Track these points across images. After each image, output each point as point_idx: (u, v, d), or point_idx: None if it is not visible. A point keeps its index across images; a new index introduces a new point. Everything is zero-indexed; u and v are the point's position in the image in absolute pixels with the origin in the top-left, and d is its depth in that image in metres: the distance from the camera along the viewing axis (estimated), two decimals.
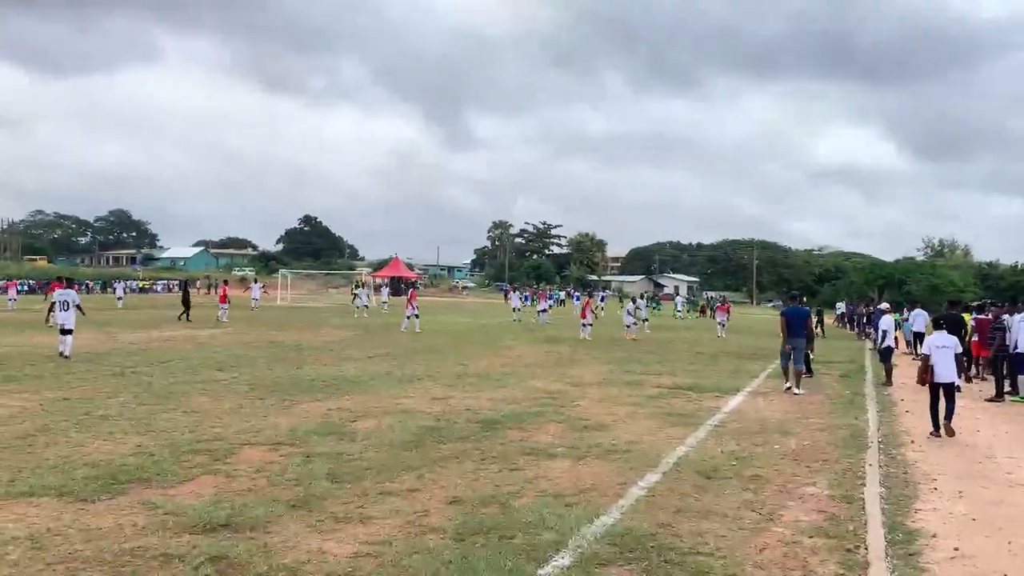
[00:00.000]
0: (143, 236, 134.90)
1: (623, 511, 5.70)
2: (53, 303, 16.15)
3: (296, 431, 8.29)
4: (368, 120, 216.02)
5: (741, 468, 7.20)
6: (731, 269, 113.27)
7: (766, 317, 49.61)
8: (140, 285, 73.70)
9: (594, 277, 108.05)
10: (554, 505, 5.77)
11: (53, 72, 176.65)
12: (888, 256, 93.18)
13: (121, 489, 5.92)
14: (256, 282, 42.81)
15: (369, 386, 12.04)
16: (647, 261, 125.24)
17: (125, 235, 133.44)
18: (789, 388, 12.48)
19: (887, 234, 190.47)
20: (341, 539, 4.95)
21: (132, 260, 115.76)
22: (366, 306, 37.88)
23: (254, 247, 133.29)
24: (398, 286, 79.01)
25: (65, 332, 15.21)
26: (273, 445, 7.63)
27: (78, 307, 16.06)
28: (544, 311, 34.19)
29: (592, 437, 8.41)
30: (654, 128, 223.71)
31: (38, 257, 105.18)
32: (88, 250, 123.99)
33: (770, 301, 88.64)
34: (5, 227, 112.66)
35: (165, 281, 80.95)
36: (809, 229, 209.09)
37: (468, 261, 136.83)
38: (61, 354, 14.88)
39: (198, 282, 79.48)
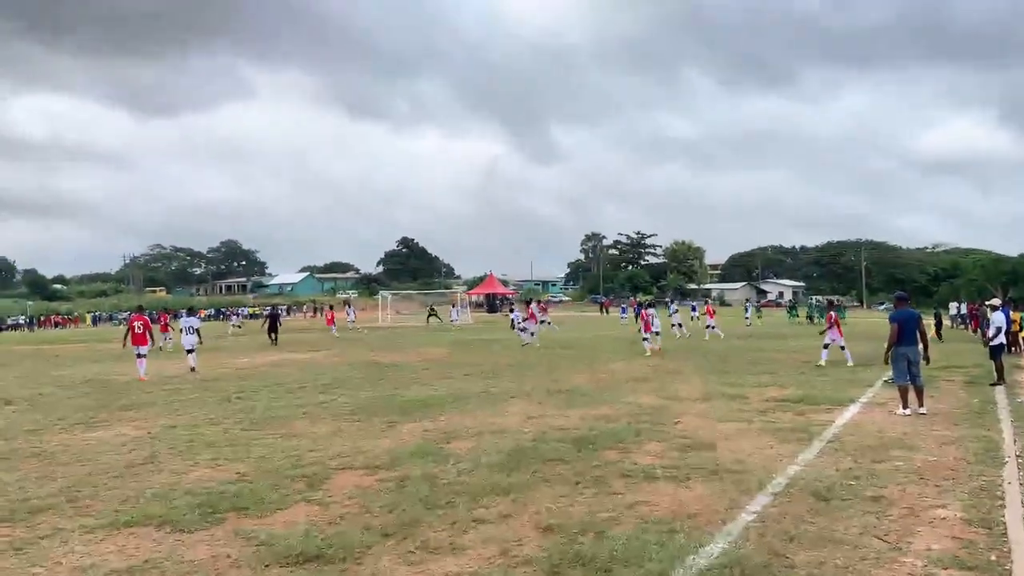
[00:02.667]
0: (253, 264, 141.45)
1: (731, 539, 5.29)
2: (127, 331, 18.07)
3: (392, 454, 8.24)
4: (454, 139, 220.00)
5: (861, 488, 6.62)
6: (838, 271, 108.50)
7: (879, 320, 47.03)
8: (251, 311, 77.19)
9: (693, 286, 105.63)
10: (655, 533, 5.42)
11: (160, 113, 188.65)
12: (1011, 251, 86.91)
13: (218, 519, 5.96)
14: (349, 305, 44.51)
15: (464, 405, 11.95)
16: (748, 267, 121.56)
17: (236, 264, 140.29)
18: (908, 413, 10.51)
19: (1008, 227, 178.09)
20: (431, 572, 4.77)
21: (243, 288, 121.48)
22: (452, 321, 38.53)
23: (356, 270, 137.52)
24: (494, 303, 79.64)
25: (189, 352, 18.66)
26: (369, 469, 7.58)
27: (197, 331, 19.36)
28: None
29: (695, 457, 7.97)
30: (746, 128, 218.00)
31: (158, 288, 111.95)
32: (203, 280, 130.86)
33: (881, 304, 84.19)
34: (127, 261, 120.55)
35: (271, 307, 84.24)
36: (920, 226, 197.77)
37: (562, 275, 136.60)
38: (192, 369, 18.06)
39: (304, 307, 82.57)
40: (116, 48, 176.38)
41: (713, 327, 30.20)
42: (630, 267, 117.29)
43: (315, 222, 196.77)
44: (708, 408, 11.40)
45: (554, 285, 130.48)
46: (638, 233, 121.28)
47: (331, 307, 34.49)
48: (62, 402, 13.43)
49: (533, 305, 29.93)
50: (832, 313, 18.97)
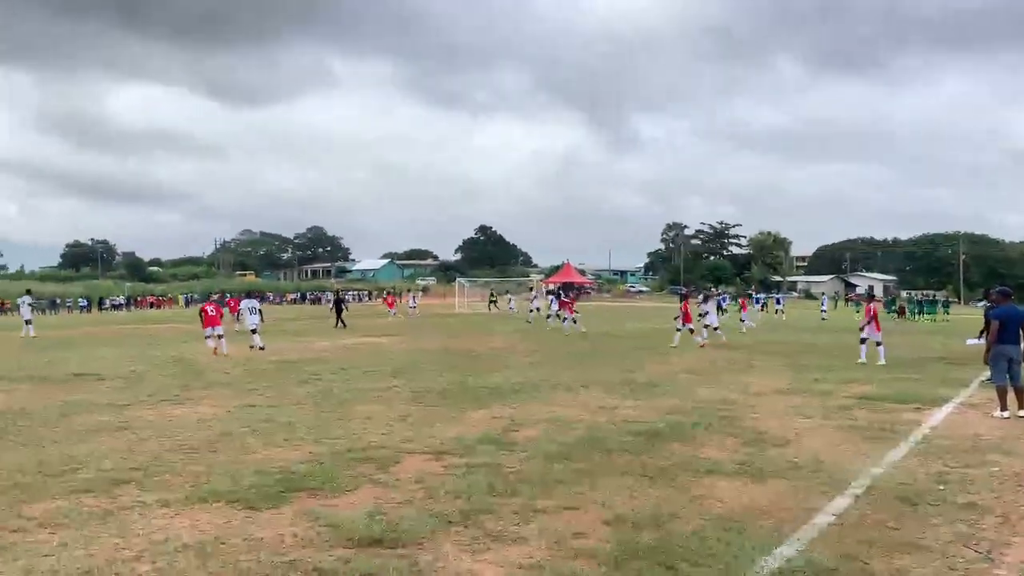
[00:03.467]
0: (337, 250, 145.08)
1: (805, 540, 5.04)
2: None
3: (460, 440, 8.24)
4: (533, 128, 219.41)
5: (951, 494, 6.23)
6: (933, 265, 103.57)
7: (977, 317, 44.61)
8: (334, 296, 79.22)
9: (778, 278, 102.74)
10: (723, 531, 5.22)
11: (250, 102, 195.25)
12: None
13: (287, 498, 6.06)
14: (410, 291, 45.14)
15: (533, 393, 11.89)
16: (836, 259, 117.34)
17: (321, 250, 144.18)
18: (1007, 416, 9.87)
19: None
20: (492, 561, 4.71)
21: (328, 273, 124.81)
22: (510, 309, 38.46)
23: (435, 257, 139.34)
24: (569, 292, 79.47)
25: (253, 332, 20.65)
26: (436, 454, 7.60)
27: (259, 311, 21.54)
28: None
29: (769, 453, 7.68)
30: (835, 115, 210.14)
31: (247, 272, 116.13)
32: (289, 265, 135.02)
33: (980, 300, 79.88)
34: (219, 246, 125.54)
35: (356, 292, 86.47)
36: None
37: (641, 265, 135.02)
38: (261, 348, 19.56)
39: (385, 291, 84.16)
40: (209, 40, 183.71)
41: (744, 320, 29.57)
42: (712, 258, 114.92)
43: (396, 209, 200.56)
44: (784, 403, 11.00)
45: (632, 275, 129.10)
46: (721, 223, 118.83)
47: (389, 292, 35.51)
48: (150, 379, 14.03)
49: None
50: (871, 306, 17.79)
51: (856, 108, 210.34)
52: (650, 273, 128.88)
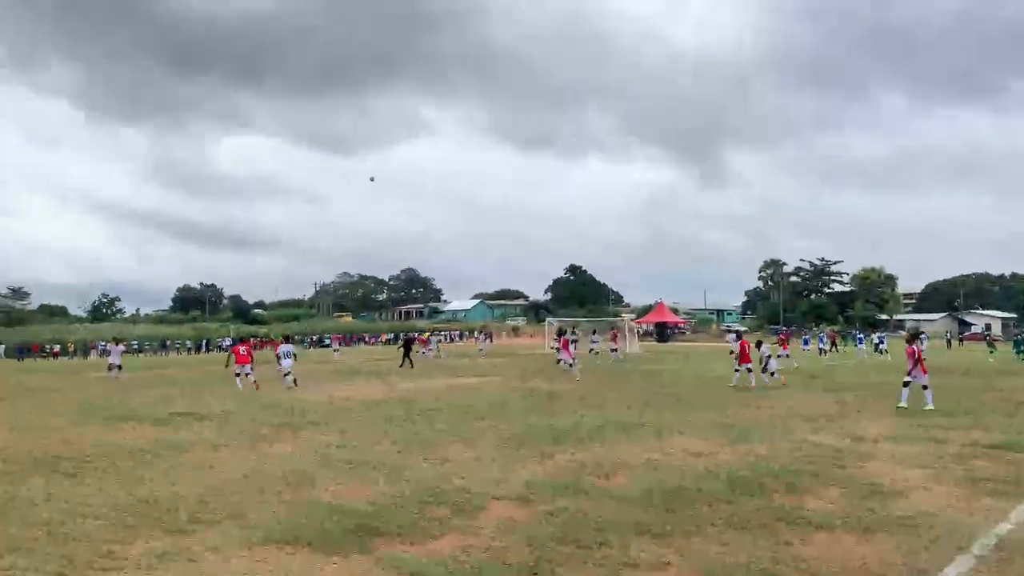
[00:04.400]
0: (429, 291, 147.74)
1: None
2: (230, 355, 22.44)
3: (544, 485, 7.99)
4: (622, 165, 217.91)
5: None
6: None
7: None
8: (425, 336, 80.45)
9: (884, 316, 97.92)
10: None
11: (344, 151, 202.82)
12: None
13: (369, 542, 5.98)
14: (481, 332, 45.04)
15: (622, 437, 11.49)
16: (949, 296, 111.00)
17: (414, 291, 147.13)
18: None
19: None
20: None
21: (421, 314, 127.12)
22: (591, 349, 37.75)
23: (525, 297, 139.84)
24: (664, 332, 77.86)
25: (286, 375, 21.95)
26: (520, 500, 7.38)
27: (293, 355, 22.92)
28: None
29: (880, 505, 7.09)
30: (940, 144, 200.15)
31: (345, 314, 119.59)
32: (384, 306, 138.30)
33: None
34: (318, 288, 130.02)
35: (445, 332, 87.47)
36: None
37: (738, 303, 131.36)
38: (295, 383, 21.42)
39: (475, 332, 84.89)
40: (308, 93, 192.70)
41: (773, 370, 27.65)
42: (813, 295, 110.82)
43: (487, 250, 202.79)
44: (896, 451, 10.22)
45: (729, 314, 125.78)
46: (822, 260, 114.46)
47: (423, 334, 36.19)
48: (242, 419, 14.39)
49: (568, 334, 29.47)
50: (914, 347, 15.94)
51: (963, 136, 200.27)
52: (749, 312, 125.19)
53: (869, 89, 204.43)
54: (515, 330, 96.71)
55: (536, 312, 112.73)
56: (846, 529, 6.29)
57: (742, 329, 44.61)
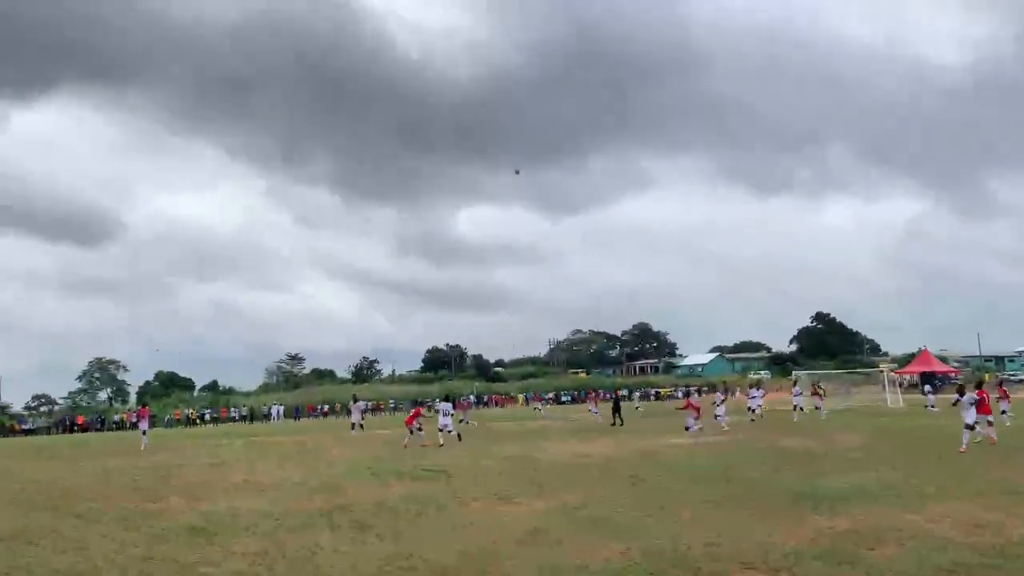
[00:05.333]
0: (663, 346, 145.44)
1: None
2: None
3: (798, 554, 7.40)
4: (867, 202, 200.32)
5: None
6: None
7: None
8: (663, 392, 79.11)
9: None
10: None
11: (571, 210, 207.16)
12: None
13: None
14: (758, 387, 40.16)
15: (887, 502, 10.33)
16: None
17: (647, 346, 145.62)
18: None
19: None
20: None
21: (656, 369, 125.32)
22: (800, 408, 33.36)
23: (768, 349, 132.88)
24: (932, 382, 69.82)
25: (440, 430, 23.28)
26: (768, 568, 6.91)
27: (451, 415, 24.23)
28: None
29: None
30: None
31: (579, 370, 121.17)
32: (618, 362, 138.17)
33: None
34: (552, 346, 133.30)
35: (684, 388, 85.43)
36: None
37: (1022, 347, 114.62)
38: (451, 433, 23.02)
39: (717, 388, 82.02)
40: (531, 159, 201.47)
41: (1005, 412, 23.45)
42: None
43: (723, 301, 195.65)
44: None
45: (1011, 361, 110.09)
46: None
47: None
48: (488, 475, 14.95)
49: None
50: (982, 392, 16.92)
51: None
52: None
53: None
54: (758, 384, 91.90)
55: (782, 364, 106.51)
56: None
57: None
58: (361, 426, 31.04)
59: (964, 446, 16.76)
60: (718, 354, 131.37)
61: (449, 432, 23.55)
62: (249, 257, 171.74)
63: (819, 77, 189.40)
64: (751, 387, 36.89)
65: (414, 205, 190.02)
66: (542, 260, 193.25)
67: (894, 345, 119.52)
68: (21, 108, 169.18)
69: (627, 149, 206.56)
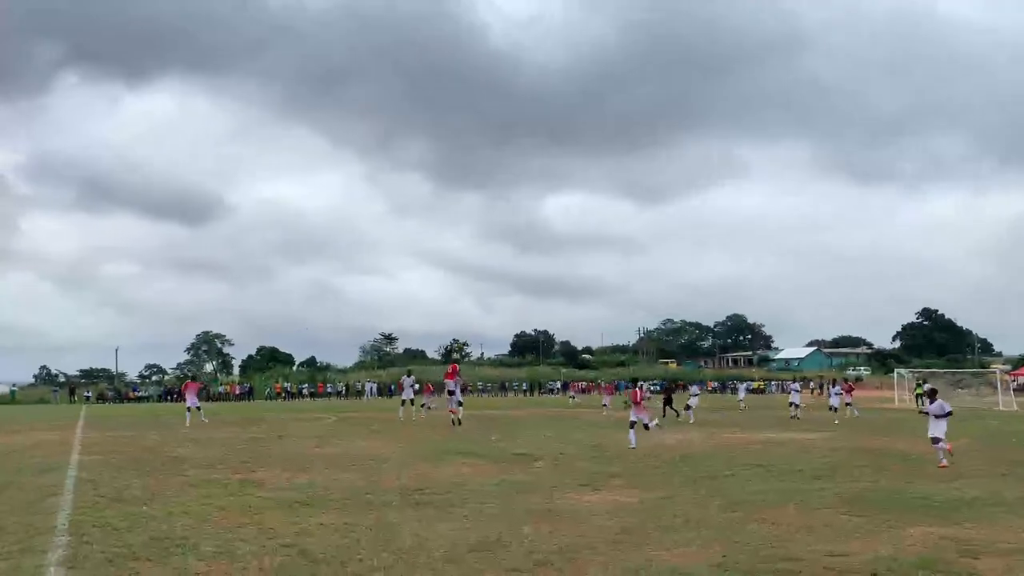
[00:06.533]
0: (758, 338, 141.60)
1: None
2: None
3: (896, 562, 7.08)
4: (978, 194, 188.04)
5: None
6: None
7: None
8: (756, 386, 77.13)
9: None
10: None
11: (661, 199, 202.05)
12: None
13: None
14: (839, 384, 37.28)
15: (994, 512, 9.77)
16: None
17: (741, 338, 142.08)
18: None
19: None
20: None
21: (749, 362, 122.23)
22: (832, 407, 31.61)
23: (868, 345, 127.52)
24: None
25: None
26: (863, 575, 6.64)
27: (460, 404, 24.83)
28: None
29: None
30: None
31: (669, 360, 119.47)
32: (709, 353, 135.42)
33: None
34: (641, 335, 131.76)
35: (778, 382, 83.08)
36: None
37: None
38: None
39: (811, 382, 79.29)
40: (619, 146, 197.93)
41: None
42: None
43: (821, 295, 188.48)
44: None
45: None
46: None
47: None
48: (574, 463, 14.96)
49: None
50: None
51: None
52: None
53: None
54: (857, 380, 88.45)
55: (883, 362, 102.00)
56: None
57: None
58: (411, 402, 30.71)
59: None
60: (815, 348, 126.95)
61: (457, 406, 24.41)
62: (346, 240, 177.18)
63: (928, 62, 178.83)
64: (833, 384, 35.11)
65: (503, 192, 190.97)
66: (631, 249, 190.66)
67: (1008, 346, 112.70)
68: (132, 93, 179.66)
69: (720, 136, 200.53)
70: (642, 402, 18.74)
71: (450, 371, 27.01)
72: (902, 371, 57.04)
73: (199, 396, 32.59)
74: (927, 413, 16.20)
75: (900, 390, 50.96)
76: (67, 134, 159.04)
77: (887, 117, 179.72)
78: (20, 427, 28.62)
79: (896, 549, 7.64)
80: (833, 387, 33.72)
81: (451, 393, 25.75)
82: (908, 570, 6.81)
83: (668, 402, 32.03)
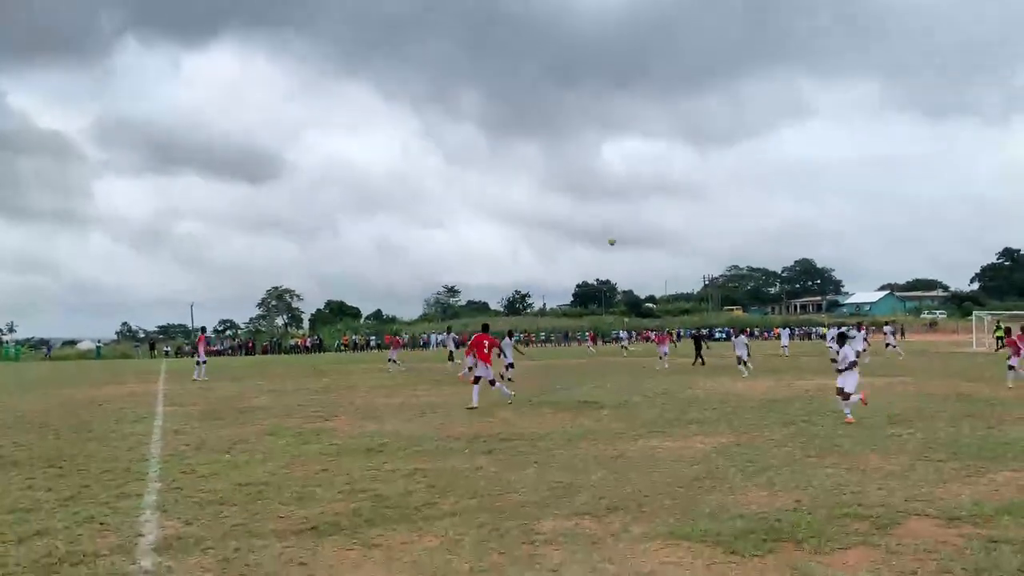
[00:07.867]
0: (828, 283, 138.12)
1: None
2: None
3: (980, 506, 6.86)
4: None
5: None
6: None
7: None
8: (823, 332, 75.43)
9: None
10: None
11: (723, 142, 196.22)
12: None
13: (772, 547, 5.74)
14: (861, 327, 35.70)
15: None
16: None
17: (810, 283, 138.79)
18: None
19: None
20: None
21: (818, 307, 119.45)
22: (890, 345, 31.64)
23: (945, 288, 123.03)
24: None
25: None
26: (949, 520, 6.45)
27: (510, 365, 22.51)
28: None
29: None
30: None
31: (735, 307, 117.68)
32: (777, 299, 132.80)
33: None
34: (707, 282, 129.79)
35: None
36: None
37: None
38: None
39: (885, 327, 77.11)
40: (681, 88, 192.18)
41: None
42: None
43: (894, 237, 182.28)
44: None
45: None
46: None
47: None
48: (641, 411, 14.92)
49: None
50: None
51: None
52: None
53: None
54: (933, 324, 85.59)
55: (960, 304, 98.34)
56: None
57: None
58: (452, 356, 31.37)
59: None
60: (888, 292, 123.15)
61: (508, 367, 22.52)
62: (405, 194, 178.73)
63: None
64: (885, 325, 38.65)
65: (561, 139, 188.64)
66: (694, 194, 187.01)
67: None
68: (190, 53, 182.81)
69: (784, 75, 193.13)
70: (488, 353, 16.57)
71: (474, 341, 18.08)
72: (980, 313, 54.80)
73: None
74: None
75: (979, 333, 49.07)
76: (132, 98, 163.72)
77: (961, 48, 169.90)
78: (110, 381, 30.09)
79: (980, 494, 7.40)
80: (887, 326, 37.25)
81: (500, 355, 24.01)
82: (992, 515, 6.59)
83: (699, 349, 31.92)
